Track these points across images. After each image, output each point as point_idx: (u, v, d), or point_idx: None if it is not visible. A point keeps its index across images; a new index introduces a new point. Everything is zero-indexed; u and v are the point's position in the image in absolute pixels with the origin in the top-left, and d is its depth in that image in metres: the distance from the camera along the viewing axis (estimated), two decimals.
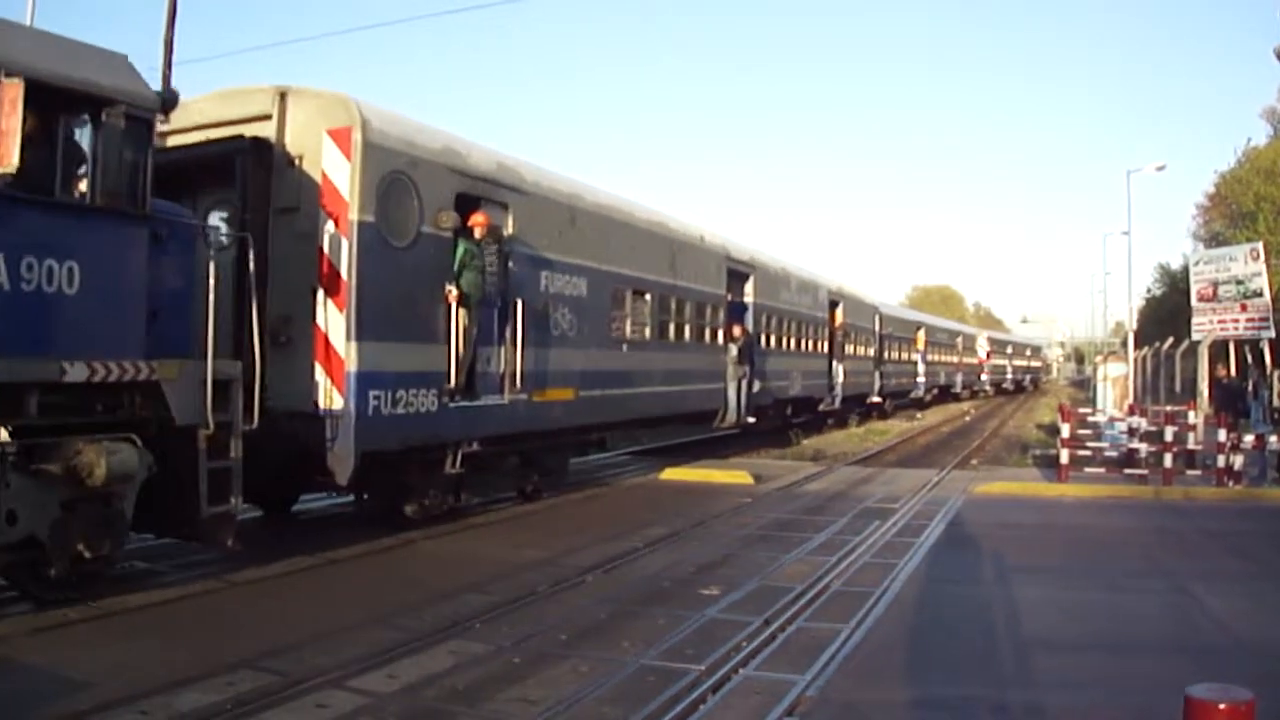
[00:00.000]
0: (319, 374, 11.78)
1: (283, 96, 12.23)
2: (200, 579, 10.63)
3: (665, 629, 9.13)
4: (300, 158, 12.09)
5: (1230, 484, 19.06)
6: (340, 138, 11.90)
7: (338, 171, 11.88)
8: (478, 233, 13.63)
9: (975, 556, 13.05)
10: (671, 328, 20.88)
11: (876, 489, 19.53)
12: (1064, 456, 20.25)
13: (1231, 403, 23.19)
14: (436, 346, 13.25)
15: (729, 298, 24.36)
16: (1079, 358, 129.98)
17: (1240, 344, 34.71)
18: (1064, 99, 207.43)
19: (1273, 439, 19.94)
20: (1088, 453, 21.08)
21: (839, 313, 35.29)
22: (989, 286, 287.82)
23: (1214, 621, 9.84)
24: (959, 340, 63.25)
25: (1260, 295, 33.06)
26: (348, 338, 11.73)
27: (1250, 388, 26.78)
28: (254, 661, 7.87)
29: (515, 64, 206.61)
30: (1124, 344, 45.27)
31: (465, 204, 13.71)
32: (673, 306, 20.85)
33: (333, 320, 11.78)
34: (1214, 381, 28.93)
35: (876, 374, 41.41)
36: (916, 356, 50.48)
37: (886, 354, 43.37)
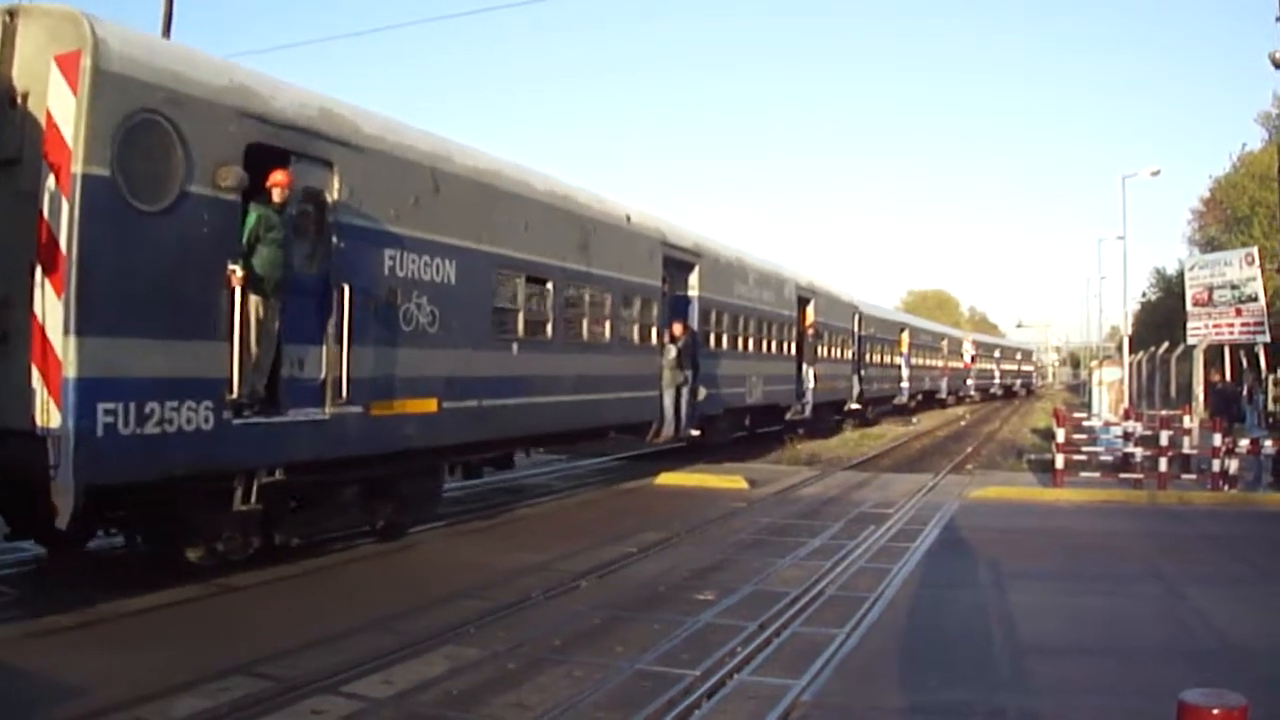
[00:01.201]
0: (35, 379, 8.93)
1: (11, 16, 9.54)
2: (195, 584, 10.58)
3: (660, 634, 9.12)
4: (26, 95, 9.36)
5: (1225, 488, 19.07)
6: (67, 66, 9.07)
7: (63, 110, 9.05)
8: (277, 195, 10.54)
9: (970, 561, 13.04)
10: (584, 324, 17.55)
11: (871, 493, 19.51)
12: (1059, 461, 20.23)
13: (1226, 407, 23.24)
14: (212, 344, 10.02)
15: (667, 290, 21.52)
16: (1074, 362, 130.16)
17: (1235, 349, 34.77)
18: (1059, 104, 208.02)
19: (1268, 443, 19.95)
20: (1083, 457, 21.10)
21: (810, 311, 32.40)
22: (984, 291, 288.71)
23: (1209, 626, 9.84)
24: (944, 343, 60.73)
25: (1255, 300, 33.10)
26: (66, 331, 8.78)
27: (1245, 392, 26.82)
28: (249, 667, 7.86)
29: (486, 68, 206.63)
30: (1119, 348, 45.41)
31: (267, 159, 10.56)
32: (586, 299, 17.53)
33: (50, 308, 8.88)
34: (1209, 386, 29.05)
35: (855, 378, 38.68)
36: (900, 360, 48.09)
37: (867, 357, 41.04)
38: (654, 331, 20.37)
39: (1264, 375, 29.43)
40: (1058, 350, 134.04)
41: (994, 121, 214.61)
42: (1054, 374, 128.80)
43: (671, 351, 20.45)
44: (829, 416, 35.51)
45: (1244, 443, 20.04)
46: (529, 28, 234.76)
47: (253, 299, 10.32)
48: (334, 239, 11.62)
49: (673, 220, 22.35)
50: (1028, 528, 15.97)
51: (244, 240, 10.23)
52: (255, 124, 10.52)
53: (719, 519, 15.92)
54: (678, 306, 22.15)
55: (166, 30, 20.68)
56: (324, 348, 11.45)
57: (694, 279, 23.04)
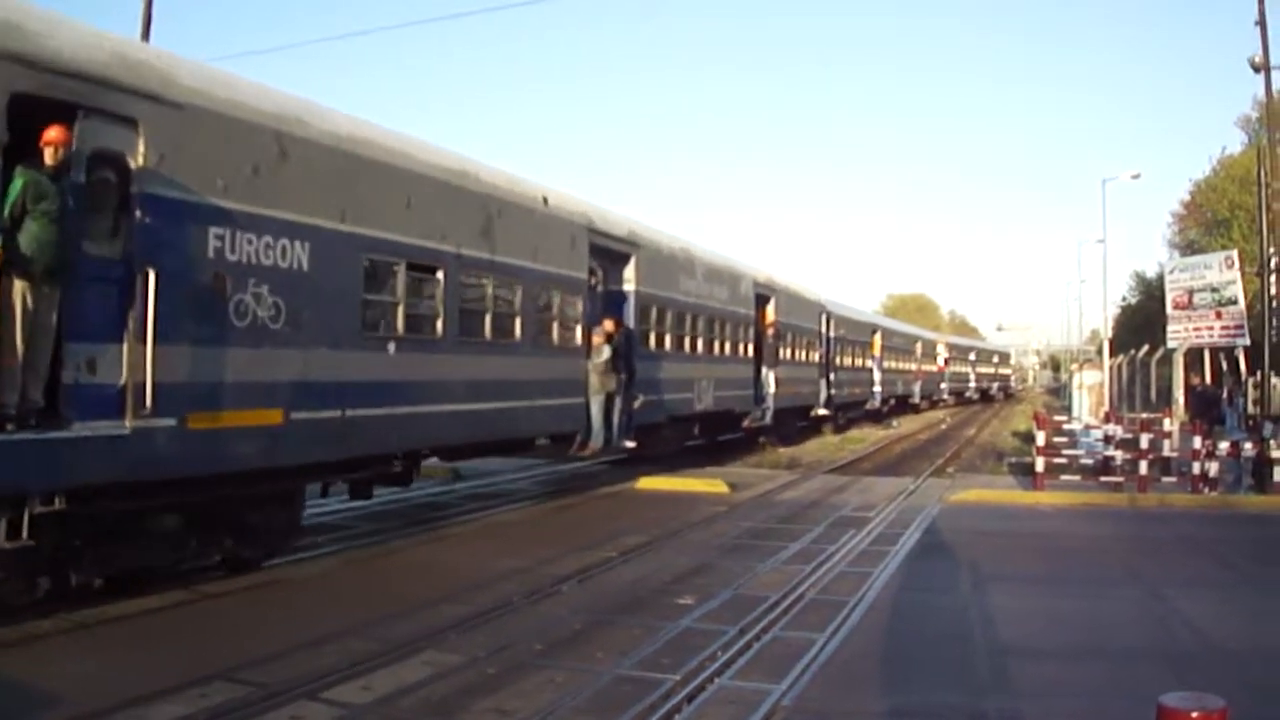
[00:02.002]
0: None
1: None
2: (175, 590, 10.51)
3: (640, 639, 9.09)
4: None
5: (1206, 491, 19.17)
6: None
7: None
8: (49, 157, 8.59)
9: (951, 565, 13.06)
10: (487, 321, 14.98)
11: (852, 497, 19.52)
12: (1040, 464, 20.29)
13: (1207, 410, 23.31)
14: None
15: (596, 284, 19.40)
16: (1055, 365, 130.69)
17: (1215, 351, 34.89)
18: (1039, 107, 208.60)
19: (1247, 446, 20.04)
20: (1063, 460, 21.18)
21: (770, 310, 29.90)
22: (964, 295, 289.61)
23: (1189, 628, 9.87)
24: (918, 346, 58.34)
25: (1235, 303, 33.21)
26: None
27: (1225, 395, 26.89)
28: (229, 673, 7.80)
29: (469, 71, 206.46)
30: (1100, 352, 45.60)
31: (42, 113, 8.61)
32: (489, 292, 15.01)
33: None
34: (1189, 389, 29.08)
35: (823, 383, 36.24)
36: (872, 363, 45.80)
37: (837, 359, 38.50)
38: (578, 330, 17.97)
39: (1244, 378, 29.53)
40: (1038, 354, 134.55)
41: (974, 125, 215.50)
42: (1034, 377, 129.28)
43: (602, 353, 18.13)
44: (793, 423, 33.24)
45: (1224, 445, 20.13)
46: (475, 40, 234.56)
47: (17, 285, 8.39)
48: (138, 213, 9.37)
49: (603, 206, 20.17)
50: (1008, 531, 16.01)
51: (4, 213, 8.37)
52: (21, 68, 8.43)
53: (699, 523, 15.91)
54: (612, 303, 20.07)
55: (146, 32, 20.65)
56: (124, 346, 9.22)
57: (629, 272, 20.65)
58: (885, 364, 47.61)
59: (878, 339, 46.73)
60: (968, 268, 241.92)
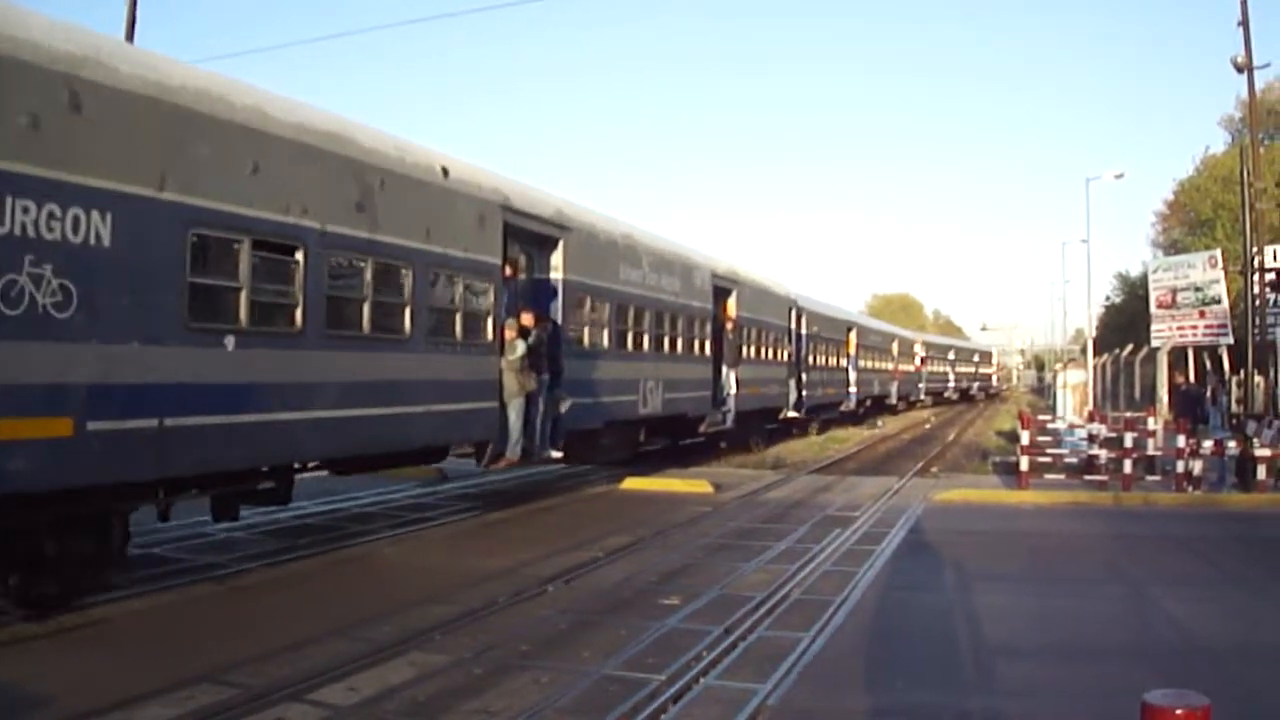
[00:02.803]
0: None
1: None
2: (161, 592, 10.50)
3: (626, 639, 9.09)
4: None
5: (1189, 489, 19.27)
6: None
7: None
8: None
9: (936, 564, 13.08)
10: (364, 312, 12.61)
11: (837, 497, 19.54)
12: (1024, 463, 20.33)
13: (1190, 409, 23.46)
14: None
15: (515, 271, 17.03)
16: (1039, 365, 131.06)
17: (1199, 350, 35.09)
18: (1024, 108, 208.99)
19: (1231, 444, 20.13)
20: (1048, 459, 21.28)
21: (731, 304, 27.42)
22: (949, 295, 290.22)
23: (1173, 626, 9.92)
24: (895, 344, 55.75)
25: (1219, 302, 33.42)
26: None
27: (1209, 394, 27.06)
28: (214, 675, 7.79)
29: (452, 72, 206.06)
30: (1084, 351, 45.78)
31: None
32: (366, 277, 12.63)
33: None
34: (1173, 388, 29.27)
35: (793, 383, 33.52)
36: (847, 362, 43.16)
37: (810, 358, 36.03)
38: (489, 324, 15.25)
39: (1227, 377, 29.73)
40: (1022, 353, 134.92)
41: (958, 125, 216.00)
42: (1019, 377, 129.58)
43: (516, 349, 15.48)
44: (760, 426, 30.84)
45: (1208, 444, 20.22)
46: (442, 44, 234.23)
47: None
48: None
49: (525, 182, 17.45)
50: (993, 530, 16.05)
51: None
52: None
53: (685, 523, 15.91)
54: (540, 293, 17.78)
55: (130, 33, 20.60)
56: None
57: (558, 258, 17.96)
58: (861, 363, 45.58)
59: (853, 337, 44.40)
60: (952, 268, 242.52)
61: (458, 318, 14.51)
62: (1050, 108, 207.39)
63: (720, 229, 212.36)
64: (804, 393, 34.53)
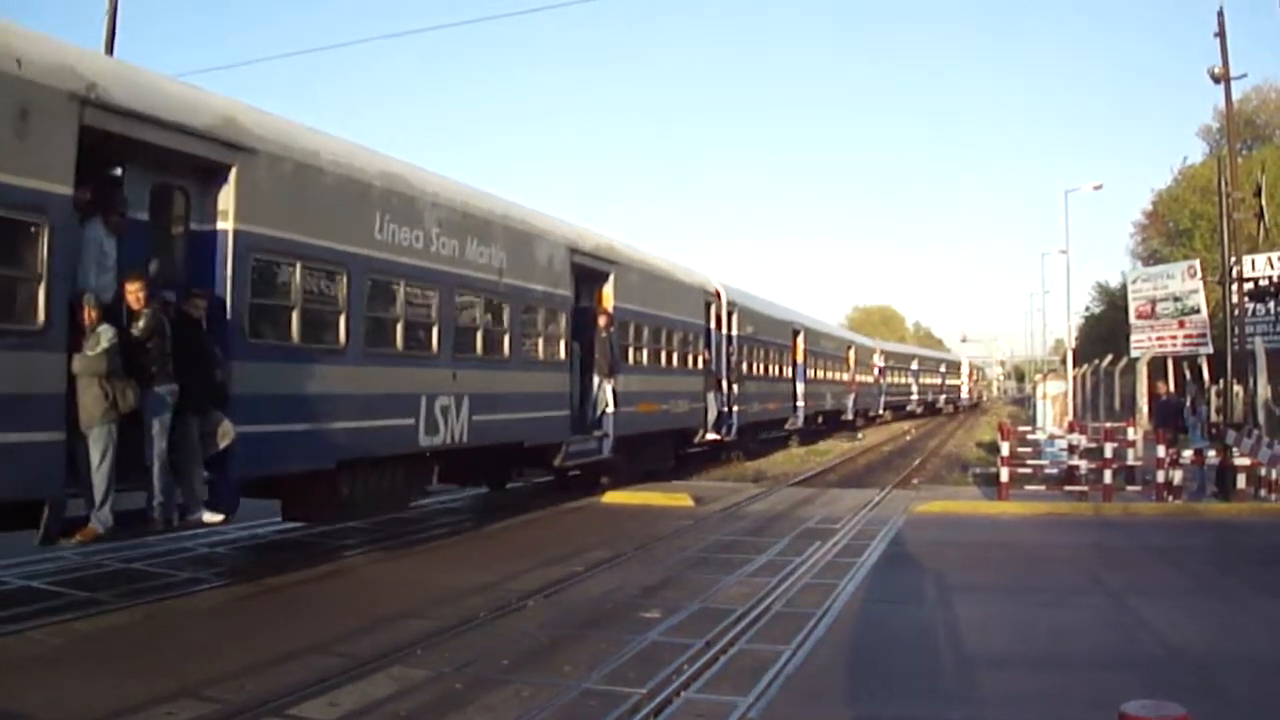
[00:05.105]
0: None
1: None
2: (141, 606, 10.44)
3: (607, 652, 9.06)
4: None
5: (1169, 499, 19.35)
6: None
7: None
8: None
9: (917, 575, 13.09)
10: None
11: (817, 510, 19.52)
12: (1004, 474, 20.36)
13: (1170, 419, 23.47)
14: None
15: (120, 214, 9.98)
16: (1019, 376, 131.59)
17: (1179, 360, 35.28)
18: (1002, 119, 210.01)
19: (1211, 454, 20.23)
20: (1028, 470, 21.34)
21: (607, 292, 21.06)
22: (929, 307, 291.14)
23: (1153, 636, 9.94)
24: (851, 352, 49.52)
25: (1198, 312, 33.67)
26: None
27: (1189, 404, 27.15)
28: (194, 690, 7.75)
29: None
30: (1063, 362, 45.95)
31: None
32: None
33: None
34: (1153, 398, 29.31)
35: (713, 397, 27.06)
36: (793, 372, 37.01)
37: (744, 366, 30.08)
38: (40, 295, 8.77)
39: (1207, 386, 29.84)
40: (1002, 364, 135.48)
41: (937, 137, 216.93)
42: (998, 388, 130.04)
43: (98, 342, 9.16)
44: (664, 453, 25.12)
45: (1188, 454, 20.32)
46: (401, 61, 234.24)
47: None
48: None
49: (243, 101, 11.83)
50: (973, 541, 16.08)
51: None
52: None
53: (665, 537, 15.88)
54: (197, 253, 11.06)
55: (110, 45, 20.52)
56: None
57: (228, 197, 11.09)
58: (810, 373, 39.63)
59: (800, 342, 38.06)
60: (932, 280, 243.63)
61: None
62: (1029, 120, 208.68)
63: (696, 242, 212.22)
64: (733, 408, 28.59)
